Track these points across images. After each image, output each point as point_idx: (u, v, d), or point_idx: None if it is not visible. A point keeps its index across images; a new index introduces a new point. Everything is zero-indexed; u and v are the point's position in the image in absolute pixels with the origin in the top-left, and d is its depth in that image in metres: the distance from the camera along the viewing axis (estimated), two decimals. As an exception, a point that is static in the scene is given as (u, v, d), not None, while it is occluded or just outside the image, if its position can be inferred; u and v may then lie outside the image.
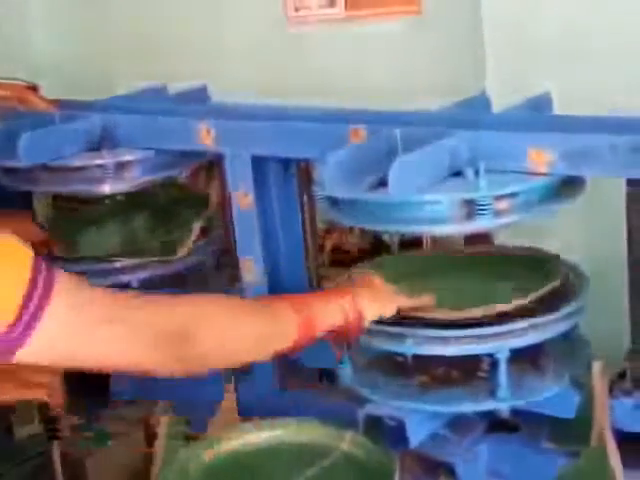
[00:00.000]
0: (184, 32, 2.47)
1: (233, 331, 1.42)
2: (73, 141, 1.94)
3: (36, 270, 1.23)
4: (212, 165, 2.31)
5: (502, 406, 1.61)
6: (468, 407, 1.63)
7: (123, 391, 2.09)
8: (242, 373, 2.00)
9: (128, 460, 1.99)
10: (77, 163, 1.93)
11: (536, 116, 1.71)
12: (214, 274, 2.15)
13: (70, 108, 2.10)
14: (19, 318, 1.20)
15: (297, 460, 1.65)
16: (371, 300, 1.56)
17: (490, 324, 1.56)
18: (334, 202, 1.62)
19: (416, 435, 1.61)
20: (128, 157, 1.93)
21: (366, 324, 1.56)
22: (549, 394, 1.61)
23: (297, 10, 2.25)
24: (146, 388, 2.07)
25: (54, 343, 1.26)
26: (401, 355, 1.68)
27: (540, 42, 1.89)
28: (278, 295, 1.66)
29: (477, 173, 1.52)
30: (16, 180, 1.99)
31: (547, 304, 1.61)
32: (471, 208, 1.51)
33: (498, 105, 1.83)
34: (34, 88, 2.12)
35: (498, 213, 1.52)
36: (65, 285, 1.26)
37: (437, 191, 1.52)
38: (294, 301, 1.52)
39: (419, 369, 1.68)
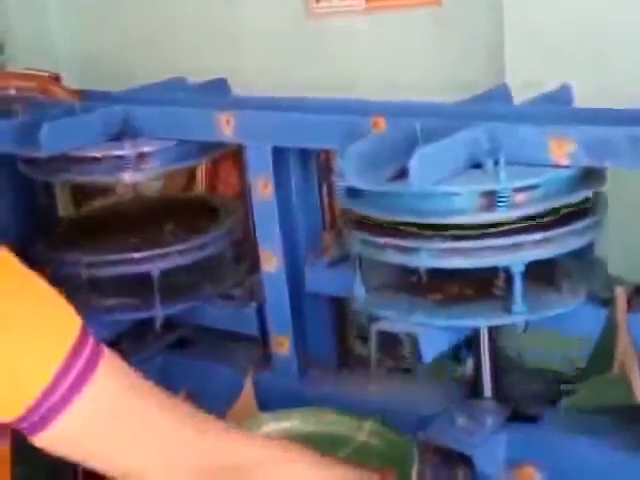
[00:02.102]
0: (203, 25, 2.48)
1: None
2: (94, 131, 1.95)
3: (80, 344, 1.11)
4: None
5: (517, 320, 1.59)
6: (483, 321, 1.62)
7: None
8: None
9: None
10: (97, 153, 1.93)
11: (557, 108, 1.71)
12: (233, 265, 2.16)
13: (91, 99, 2.11)
14: (44, 399, 1.09)
15: (315, 450, 1.65)
16: None
17: (506, 236, 1.54)
18: (353, 193, 1.62)
19: (429, 350, 1.59)
20: (148, 148, 1.94)
21: None
22: (566, 309, 1.60)
23: (317, 2, 2.25)
24: (166, 378, 2.08)
25: (84, 431, 1.14)
26: (415, 274, 1.67)
27: (559, 38, 1.89)
28: None
29: (497, 165, 1.52)
30: (37, 170, 2.00)
31: (565, 220, 1.58)
32: (491, 200, 1.51)
33: (517, 100, 1.83)
34: (56, 78, 2.14)
35: (517, 205, 1.52)
36: (112, 367, 1.15)
37: (457, 183, 1.52)
38: None
39: (433, 288, 1.68)
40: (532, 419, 1.71)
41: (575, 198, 1.56)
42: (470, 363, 1.82)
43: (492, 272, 1.63)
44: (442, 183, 1.50)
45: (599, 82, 1.83)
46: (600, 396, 1.68)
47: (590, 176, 1.58)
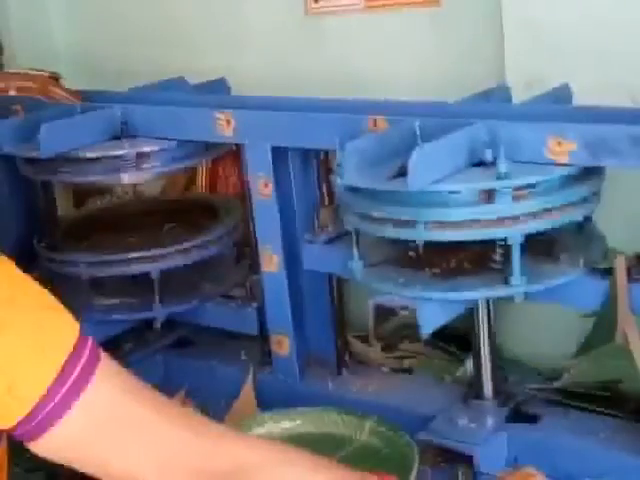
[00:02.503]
0: (203, 25, 2.48)
1: None
2: (93, 132, 1.95)
3: (77, 350, 1.12)
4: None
5: (515, 291, 1.57)
6: (481, 293, 1.60)
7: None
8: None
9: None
10: (97, 154, 1.93)
11: (556, 107, 1.71)
12: (233, 265, 2.15)
13: (91, 99, 2.11)
14: (43, 405, 1.09)
15: (315, 450, 1.65)
16: None
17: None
18: (352, 191, 1.62)
19: (428, 324, 1.57)
20: (148, 148, 1.94)
21: None
22: (565, 279, 1.59)
23: (317, 1, 2.25)
24: (166, 377, 2.08)
25: (80, 438, 1.14)
26: (413, 250, 1.67)
27: (560, 37, 1.88)
28: None
29: (497, 163, 1.52)
30: (37, 170, 2.00)
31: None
32: (490, 198, 1.51)
33: (517, 99, 1.83)
34: (56, 79, 2.13)
35: (517, 203, 1.52)
36: (109, 372, 1.15)
37: (456, 181, 1.52)
38: None
39: (431, 262, 1.67)
40: (532, 419, 1.71)
41: (574, 196, 1.56)
42: (470, 363, 1.82)
43: (490, 246, 1.62)
44: (442, 181, 1.50)
45: (600, 81, 1.83)
46: (602, 368, 1.67)
47: (589, 174, 1.58)
